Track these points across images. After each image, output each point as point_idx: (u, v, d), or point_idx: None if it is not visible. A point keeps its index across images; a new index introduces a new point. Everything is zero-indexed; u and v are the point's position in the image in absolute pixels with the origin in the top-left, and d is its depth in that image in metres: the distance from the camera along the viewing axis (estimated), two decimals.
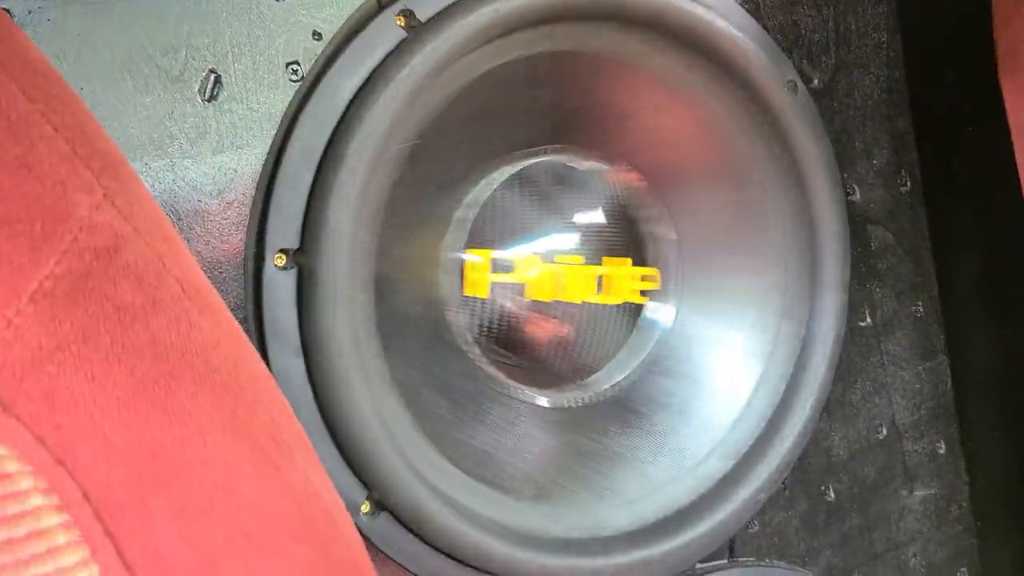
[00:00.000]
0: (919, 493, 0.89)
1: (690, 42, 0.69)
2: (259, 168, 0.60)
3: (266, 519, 0.35)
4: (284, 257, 0.60)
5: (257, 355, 0.41)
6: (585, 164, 0.77)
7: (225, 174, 0.60)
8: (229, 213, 0.60)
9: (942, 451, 0.90)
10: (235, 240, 0.60)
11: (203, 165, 0.59)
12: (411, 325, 0.69)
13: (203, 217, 0.59)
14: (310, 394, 0.60)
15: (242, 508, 0.35)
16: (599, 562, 0.68)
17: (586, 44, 0.68)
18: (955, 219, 0.91)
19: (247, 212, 0.60)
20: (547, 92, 0.71)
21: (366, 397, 0.60)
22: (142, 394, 0.34)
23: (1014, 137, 0.77)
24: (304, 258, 0.60)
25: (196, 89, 0.58)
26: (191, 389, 0.35)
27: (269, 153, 0.61)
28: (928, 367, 0.89)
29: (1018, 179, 0.80)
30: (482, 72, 0.66)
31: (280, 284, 0.60)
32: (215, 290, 0.41)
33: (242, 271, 0.60)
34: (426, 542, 0.63)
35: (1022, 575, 0.97)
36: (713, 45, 0.70)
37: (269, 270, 0.59)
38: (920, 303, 0.89)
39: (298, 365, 0.60)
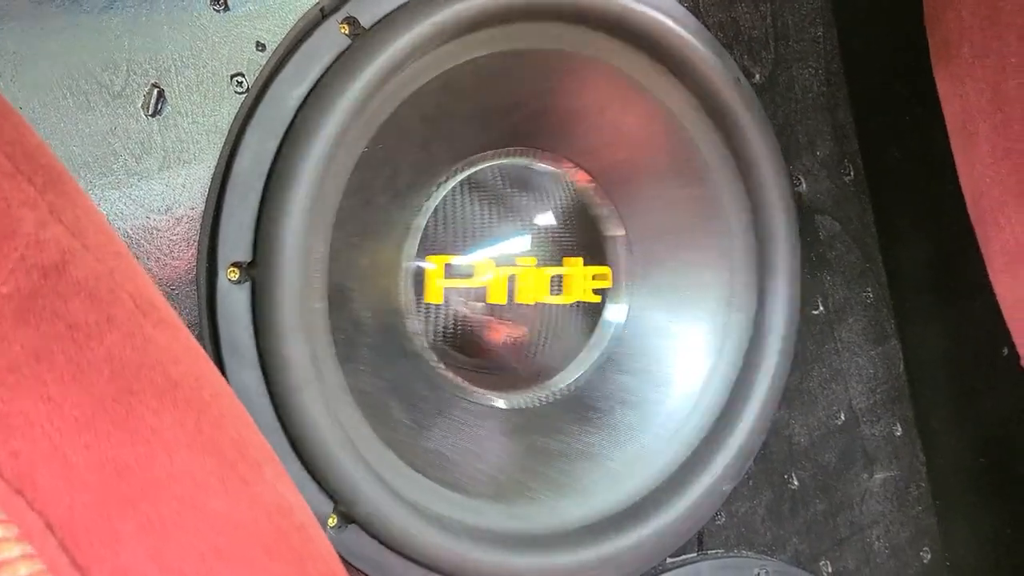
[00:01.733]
0: (879, 476, 0.90)
1: (639, 40, 0.70)
2: (208, 182, 0.59)
3: (238, 535, 0.34)
4: (237, 271, 0.59)
5: (217, 370, 0.40)
6: (537, 166, 0.77)
7: (173, 189, 0.58)
8: (179, 229, 0.59)
9: (899, 433, 0.91)
10: (186, 256, 0.59)
11: (150, 181, 0.58)
12: (368, 333, 0.68)
13: (152, 234, 0.58)
14: (270, 408, 0.59)
15: (213, 525, 0.34)
16: (570, 559, 0.67)
17: (533, 46, 0.69)
18: (898, 206, 0.93)
19: (197, 227, 0.59)
20: (495, 96, 0.71)
21: (326, 409, 0.59)
22: (102, 412, 0.33)
23: (948, 125, 0.78)
24: (257, 271, 0.59)
25: (139, 104, 0.57)
26: (153, 405, 0.34)
27: (217, 167, 0.59)
28: (881, 351, 0.90)
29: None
30: (430, 78, 0.65)
31: (234, 298, 0.59)
32: (170, 306, 0.40)
33: (195, 287, 0.59)
34: (395, 552, 0.62)
35: (982, 550, 0.99)
36: (661, 43, 0.71)
37: (222, 285, 0.58)
38: (870, 289, 0.90)
39: (257, 379, 0.59)
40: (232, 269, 0.59)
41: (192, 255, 0.59)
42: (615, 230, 0.79)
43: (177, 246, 0.59)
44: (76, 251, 0.36)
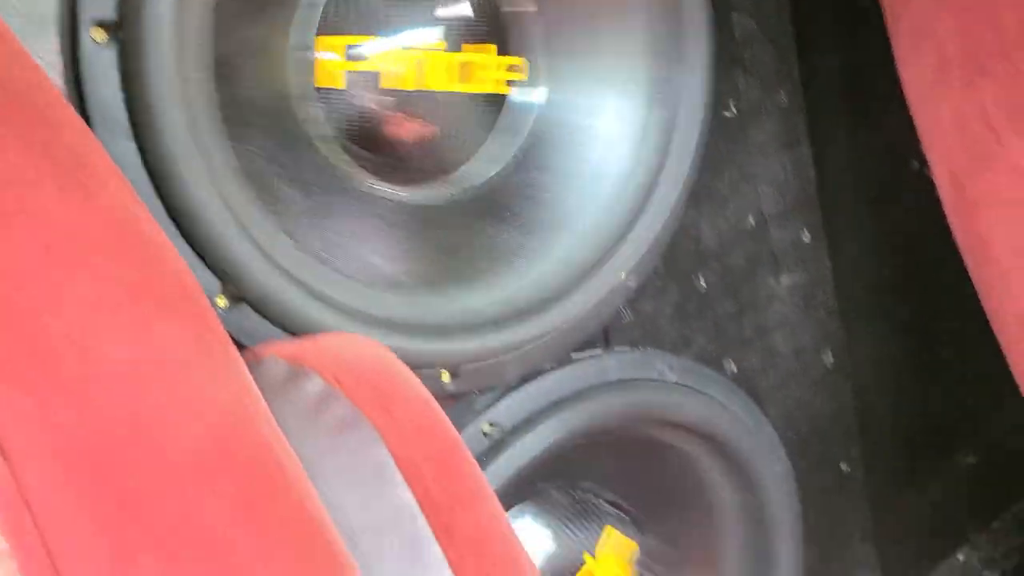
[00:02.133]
0: (786, 280, 0.91)
1: None
2: None
3: (74, 238, 0.32)
4: (103, 31, 0.54)
5: (56, 90, 0.37)
6: None
7: None
8: None
9: (807, 239, 0.92)
10: (47, 14, 0.54)
11: None
12: (261, 115, 0.65)
13: None
14: (147, 181, 0.56)
15: (46, 227, 0.32)
16: (470, 345, 0.67)
17: None
18: (817, 8, 0.91)
19: None
20: None
21: (210, 184, 0.57)
22: None
23: None
24: (125, 33, 0.54)
25: None
26: None
27: None
28: (792, 156, 0.90)
29: None
30: None
31: (101, 61, 0.55)
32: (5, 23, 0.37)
33: (58, 50, 0.55)
34: (288, 331, 0.61)
35: (883, 356, 1.03)
36: None
37: (87, 46, 0.54)
38: (783, 92, 0.89)
39: (131, 150, 0.55)
40: (97, 30, 0.54)
41: (52, 13, 0.54)
42: (529, 17, 0.75)
43: (32, 4, 0.54)
44: None
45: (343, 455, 0.38)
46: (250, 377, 0.34)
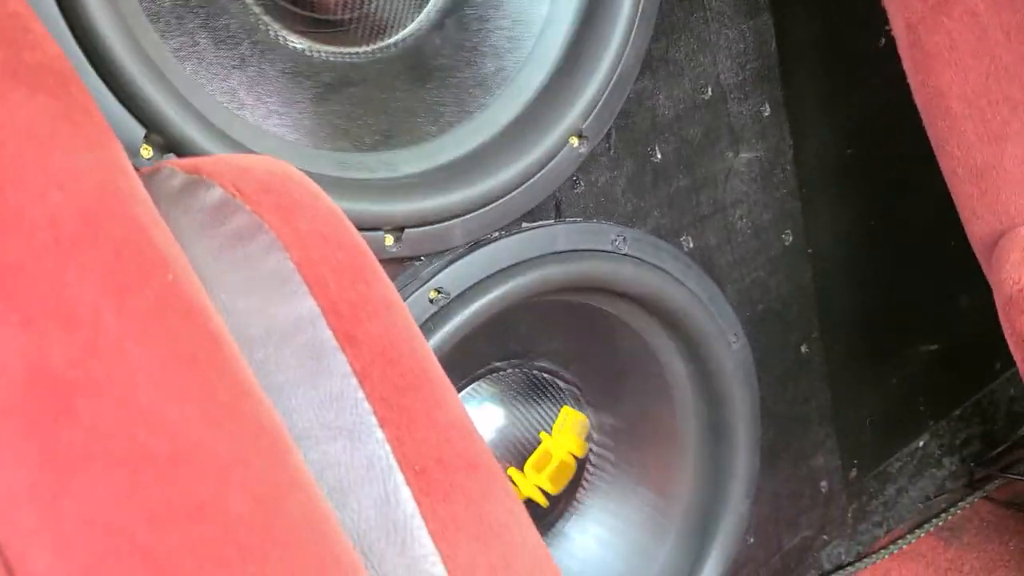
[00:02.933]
0: (745, 155, 0.89)
1: None
2: None
3: None
4: None
5: None
6: None
7: None
8: None
9: (767, 113, 0.90)
10: None
11: None
12: None
13: None
14: (58, 15, 0.53)
15: None
16: (404, 207, 0.66)
17: None
18: None
19: None
20: None
21: (121, 26, 0.54)
22: None
23: None
24: None
25: None
26: None
27: None
28: (752, 25, 0.87)
29: None
30: None
31: None
32: None
33: None
34: None
35: (841, 237, 1.02)
36: None
37: None
38: None
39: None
40: None
41: None
42: None
43: None
44: None
45: (242, 265, 0.37)
46: (126, 159, 0.32)
